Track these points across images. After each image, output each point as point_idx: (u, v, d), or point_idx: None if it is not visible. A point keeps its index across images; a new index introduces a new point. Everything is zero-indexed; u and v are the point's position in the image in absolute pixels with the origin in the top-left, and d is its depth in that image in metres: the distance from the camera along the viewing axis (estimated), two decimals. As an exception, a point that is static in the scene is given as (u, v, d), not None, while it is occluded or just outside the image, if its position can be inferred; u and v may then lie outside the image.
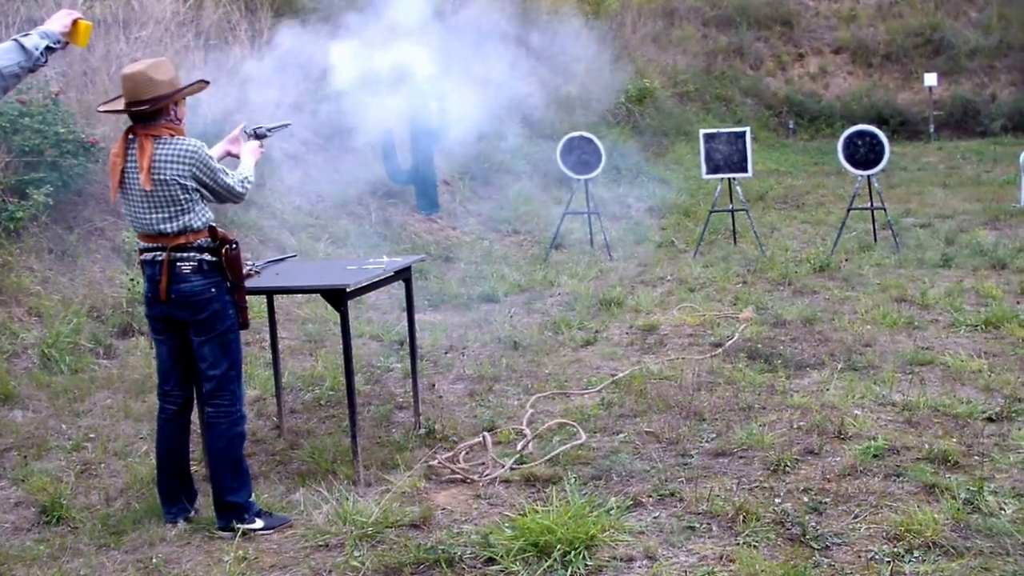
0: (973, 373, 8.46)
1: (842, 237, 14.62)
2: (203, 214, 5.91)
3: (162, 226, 5.83)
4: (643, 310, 11.45)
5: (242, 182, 6.12)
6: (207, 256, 5.92)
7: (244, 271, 6.53)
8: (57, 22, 5.66)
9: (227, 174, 5.99)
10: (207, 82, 6.58)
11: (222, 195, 6.04)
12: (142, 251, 6.00)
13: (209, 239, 5.94)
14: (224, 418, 6.05)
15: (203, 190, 5.90)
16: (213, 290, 5.93)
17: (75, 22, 5.70)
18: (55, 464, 7.29)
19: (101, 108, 6.28)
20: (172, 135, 5.84)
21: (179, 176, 5.76)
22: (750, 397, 8.16)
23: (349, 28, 12.17)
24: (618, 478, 6.64)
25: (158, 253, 5.89)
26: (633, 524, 5.87)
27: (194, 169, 5.80)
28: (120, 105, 5.93)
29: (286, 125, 7.61)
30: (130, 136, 5.89)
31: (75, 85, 12.32)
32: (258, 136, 6.75)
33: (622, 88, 24.39)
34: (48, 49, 5.58)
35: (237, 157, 6.52)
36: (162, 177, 5.74)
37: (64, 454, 7.47)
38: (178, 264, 5.86)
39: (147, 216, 5.85)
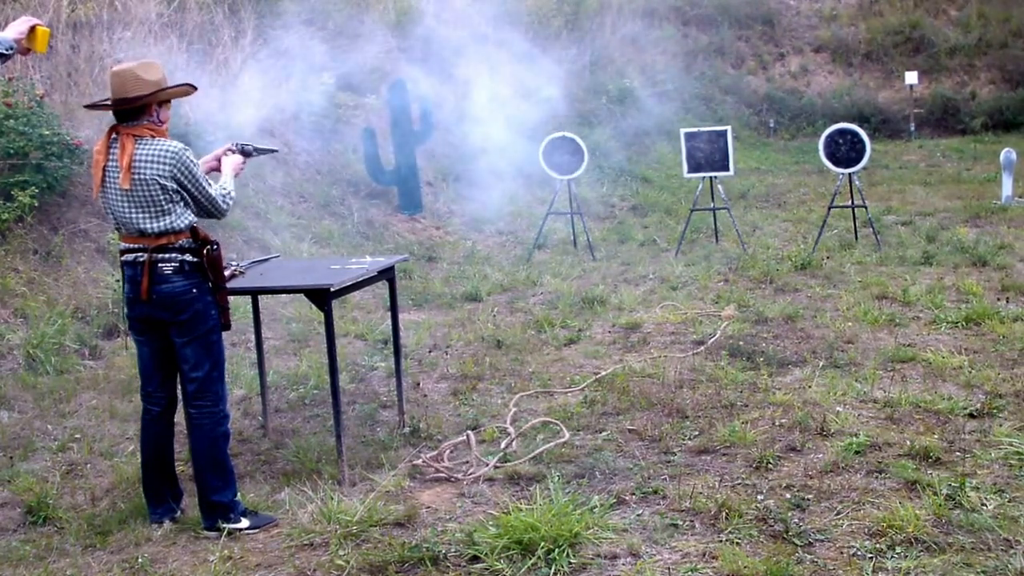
0: (954, 370, 8.51)
1: (823, 235, 14.67)
2: (185, 215, 5.89)
3: (143, 225, 5.83)
4: (626, 309, 11.48)
5: (223, 196, 6.09)
6: (188, 257, 5.91)
7: (227, 272, 6.54)
8: (13, 29, 5.66)
9: (211, 184, 5.97)
10: (194, 87, 6.58)
11: (203, 205, 6.01)
12: (123, 252, 5.99)
13: (190, 240, 5.93)
14: (208, 418, 6.05)
15: (184, 194, 5.88)
16: (195, 291, 5.92)
17: (33, 28, 5.70)
18: (41, 465, 7.30)
19: (88, 104, 6.29)
20: (153, 136, 5.83)
21: (159, 176, 5.75)
22: (732, 395, 8.19)
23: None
24: (601, 476, 6.66)
25: (139, 254, 5.88)
26: (617, 522, 5.88)
27: (174, 170, 5.78)
28: (107, 103, 5.94)
29: (274, 151, 7.62)
30: (113, 135, 5.90)
31: (60, 87, 12.30)
32: (244, 152, 6.71)
33: (603, 88, 24.43)
34: None
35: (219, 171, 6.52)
36: (142, 176, 5.74)
37: (50, 454, 7.48)
38: (159, 265, 5.85)
39: (128, 215, 5.84)
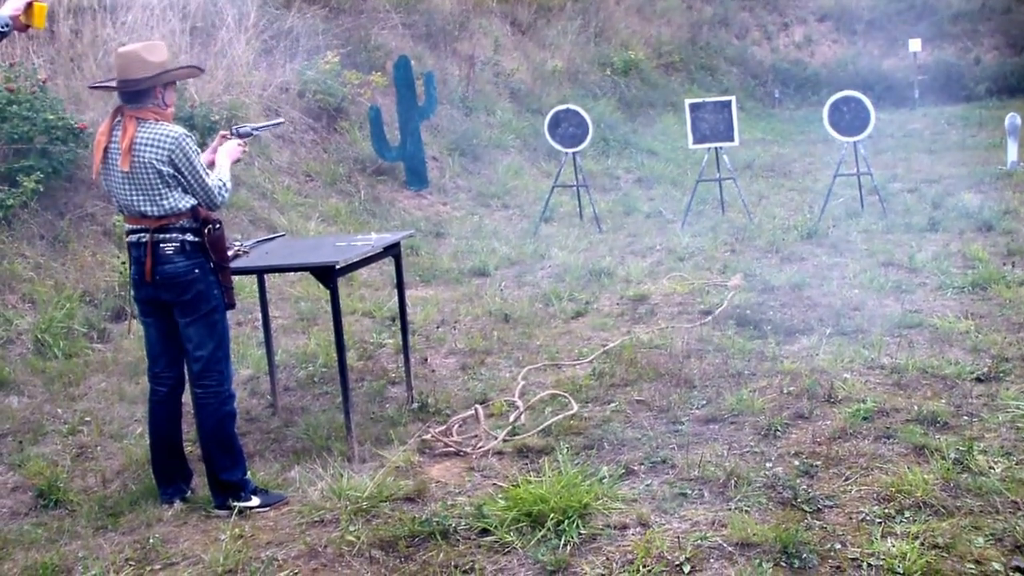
0: (961, 334, 8.50)
1: (829, 204, 14.61)
2: (186, 198, 5.87)
3: (143, 208, 5.83)
4: (633, 280, 11.49)
5: (219, 188, 6.01)
6: (190, 237, 5.90)
7: (232, 251, 6.53)
8: (10, 6, 5.63)
9: (208, 175, 5.92)
10: (200, 69, 6.57)
11: (198, 195, 5.93)
12: (128, 233, 5.99)
13: (192, 220, 5.91)
14: (213, 398, 6.06)
15: (181, 180, 5.84)
16: (197, 271, 5.91)
17: (30, 4, 5.68)
18: (51, 448, 7.32)
19: (93, 85, 6.27)
20: (157, 119, 5.81)
21: (156, 159, 5.73)
22: (740, 363, 8.19)
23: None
24: (610, 447, 6.67)
25: (142, 235, 5.88)
26: (626, 492, 5.88)
27: (171, 155, 5.75)
28: (111, 84, 5.93)
29: (278, 123, 7.53)
30: (117, 117, 5.89)
31: (63, 72, 12.28)
32: (241, 135, 6.66)
33: (607, 60, 24.37)
34: None
35: None
36: (141, 159, 5.73)
37: (60, 438, 7.50)
38: (161, 245, 5.85)
39: (129, 198, 5.84)
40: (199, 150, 5.96)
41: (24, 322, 9.24)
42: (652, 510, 5.66)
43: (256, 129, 6.88)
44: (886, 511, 5.44)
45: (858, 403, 7.02)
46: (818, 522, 5.38)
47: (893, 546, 5.00)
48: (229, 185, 6.16)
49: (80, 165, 10.95)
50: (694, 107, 15.00)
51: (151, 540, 5.72)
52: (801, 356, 8.28)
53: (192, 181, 5.86)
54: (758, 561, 4.96)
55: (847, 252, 12.09)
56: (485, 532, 5.49)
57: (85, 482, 6.72)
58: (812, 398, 7.25)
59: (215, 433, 6.10)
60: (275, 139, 14.98)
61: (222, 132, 6.66)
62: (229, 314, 6.21)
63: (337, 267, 6.56)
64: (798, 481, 5.87)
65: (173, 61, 6.07)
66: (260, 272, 7.39)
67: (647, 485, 6.02)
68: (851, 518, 5.41)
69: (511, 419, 7.26)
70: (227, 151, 6.44)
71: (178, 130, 5.83)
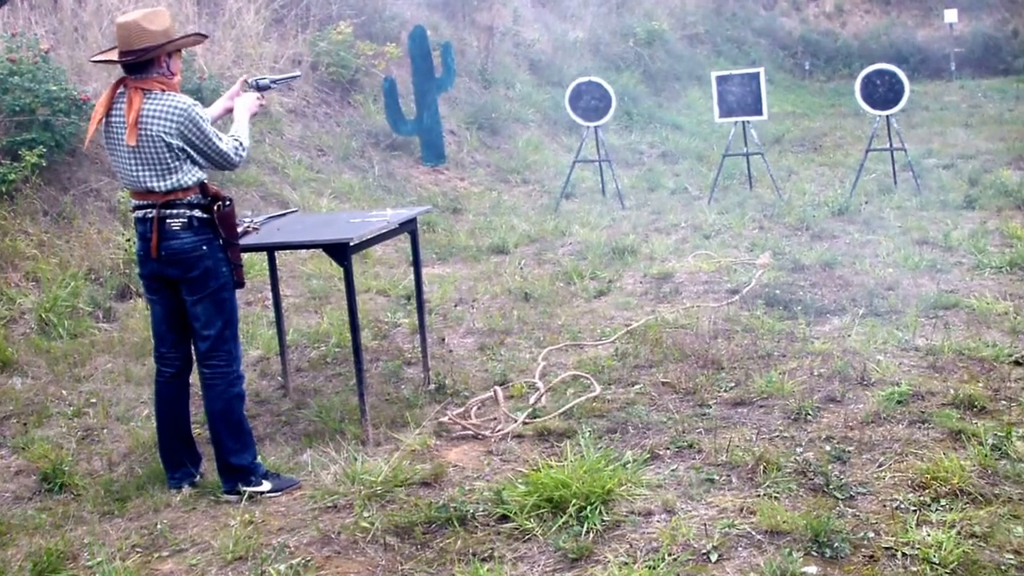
0: (999, 316, 8.38)
1: (861, 179, 14.55)
2: (193, 172, 5.75)
3: (150, 183, 5.69)
4: (657, 258, 11.42)
5: (236, 149, 5.92)
6: (198, 213, 5.78)
7: (241, 228, 6.40)
8: None
9: (220, 139, 5.81)
10: (204, 36, 6.48)
11: (215, 160, 5.86)
12: (135, 208, 5.88)
13: (200, 195, 5.79)
14: (220, 379, 5.96)
15: (192, 152, 5.72)
16: (204, 247, 5.79)
17: None
18: (56, 431, 7.24)
19: (94, 58, 6.16)
20: (163, 89, 5.68)
21: (165, 133, 5.59)
22: (769, 344, 8.08)
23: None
24: (634, 430, 6.56)
25: (149, 210, 5.75)
26: (650, 477, 5.78)
27: (181, 128, 5.62)
28: (113, 55, 5.80)
29: (295, 76, 7.45)
30: (120, 88, 5.76)
31: (66, 42, 12.24)
32: (259, 88, 6.55)
33: (631, 31, 24.25)
34: None
35: None
36: (148, 132, 5.59)
37: (65, 420, 7.42)
38: (168, 221, 5.72)
39: (135, 173, 5.71)
40: (208, 116, 5.83)
41: (27, 301, 9.24)
42: (678, 496, 5.56)
43: (275, 82, 6.80)
44: (921, 499, 5.33)
45: (892, 386, 6.89)
46: (850, 510, 5.27)
47: (928, 535, 4.89)
48: (246, 143, 6.07)
49: (84, 139, 10.84)
50: (721, 79, 14.96)
51: (159, 526, 5.64)
52: (833, 337, 8.16)
53: (206, 149, 5.76)
54: (788, 550, 4.84)
55: (880, 229, 12.00)
56: (504, 518, 5.40)
57: (91, 466, 6.64)
58: (844, 381, 7.14)
59: (223, 415, 5.99)
60: (287, 112, 14.92)
61: (243, 79, 6.53)
62: (238, 293, 6.12)
63: (351, 244, 6.46)
64: (830, 467, 5.75)
65: (176, 27, 5.88)
66: (271, 249, 7.33)
67: (673, 470, 5.91)
68: (885, 506, 5.30)
69: (531, 401, 7.16)
70: (245, 105, 6.33)
71: (186, 100, 5.71)
